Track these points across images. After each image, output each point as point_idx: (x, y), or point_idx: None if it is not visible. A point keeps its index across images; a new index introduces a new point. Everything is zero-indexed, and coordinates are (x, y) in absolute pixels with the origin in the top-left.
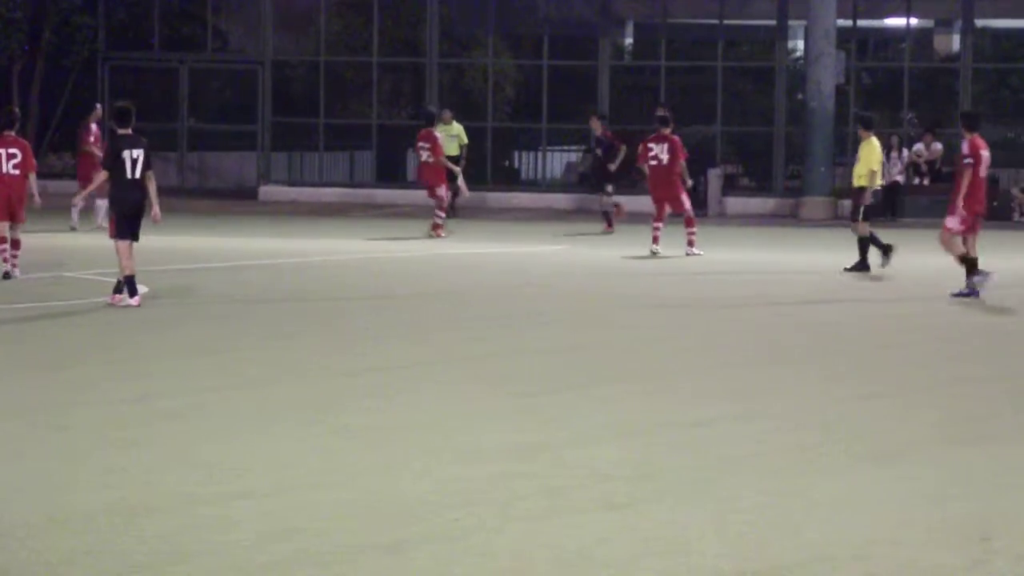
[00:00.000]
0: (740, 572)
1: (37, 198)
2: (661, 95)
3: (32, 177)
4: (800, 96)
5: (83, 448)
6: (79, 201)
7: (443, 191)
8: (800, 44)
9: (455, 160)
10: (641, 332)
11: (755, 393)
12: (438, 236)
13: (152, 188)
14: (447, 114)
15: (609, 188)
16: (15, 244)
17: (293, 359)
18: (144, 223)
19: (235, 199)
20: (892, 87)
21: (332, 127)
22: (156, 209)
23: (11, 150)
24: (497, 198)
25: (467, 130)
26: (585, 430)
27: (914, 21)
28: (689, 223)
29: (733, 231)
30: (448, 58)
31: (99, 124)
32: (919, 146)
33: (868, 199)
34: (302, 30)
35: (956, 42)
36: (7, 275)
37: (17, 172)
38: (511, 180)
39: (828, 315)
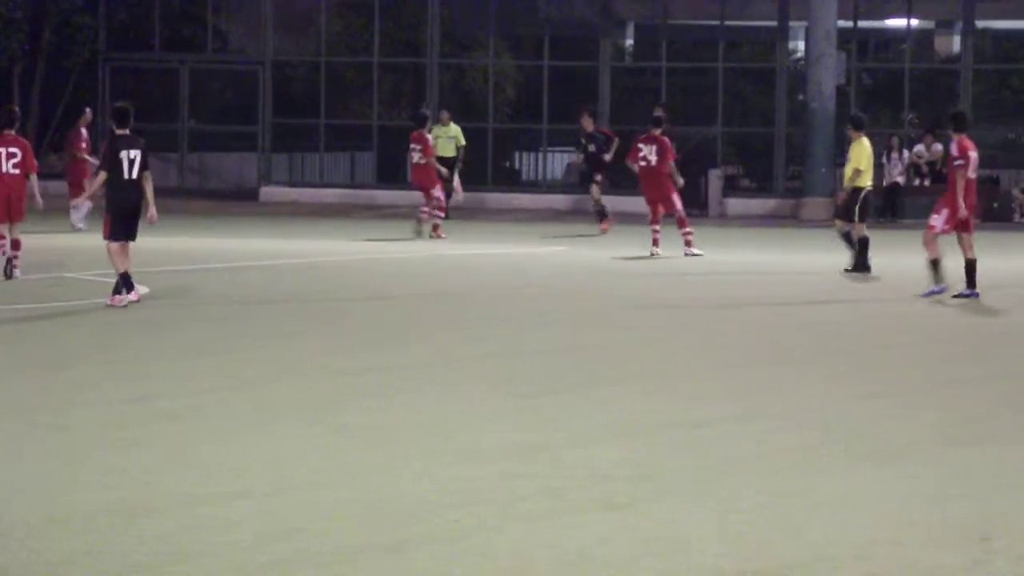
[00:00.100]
0: (740, 572)
1: (39, 199)
2: (662, 96)
3: (33, 178)
4: (801, 97)
5: (83, 448)
6: (81, 203)
7: (438, 192)
8: (801, 45)
9: (452, 161)
10: (641, 332)
11: (755, 393)
12: (439, 237)
13: (149, 189)
14: (445, 115)
15: (598, 178)
16: (15, 244)
17: (293, 359)
18: (140, 223)
19: (235, 200)
20: (893, 88)
21: (333, 128)
22: (152, 211)
23: (11, 149)
24: (497, 199)
25: (468, 131)
26: (585, 430)
27: (915, 22)
28: (681, 223)
29: (734, 232)
30: (449, 59)
31: (88, 128)
32: (920, 147)
33: (843, 198)
34: (303, 31)
35: (957, 43)
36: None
37: (17, 171)
38: (511, 181)
39: (828, 315)
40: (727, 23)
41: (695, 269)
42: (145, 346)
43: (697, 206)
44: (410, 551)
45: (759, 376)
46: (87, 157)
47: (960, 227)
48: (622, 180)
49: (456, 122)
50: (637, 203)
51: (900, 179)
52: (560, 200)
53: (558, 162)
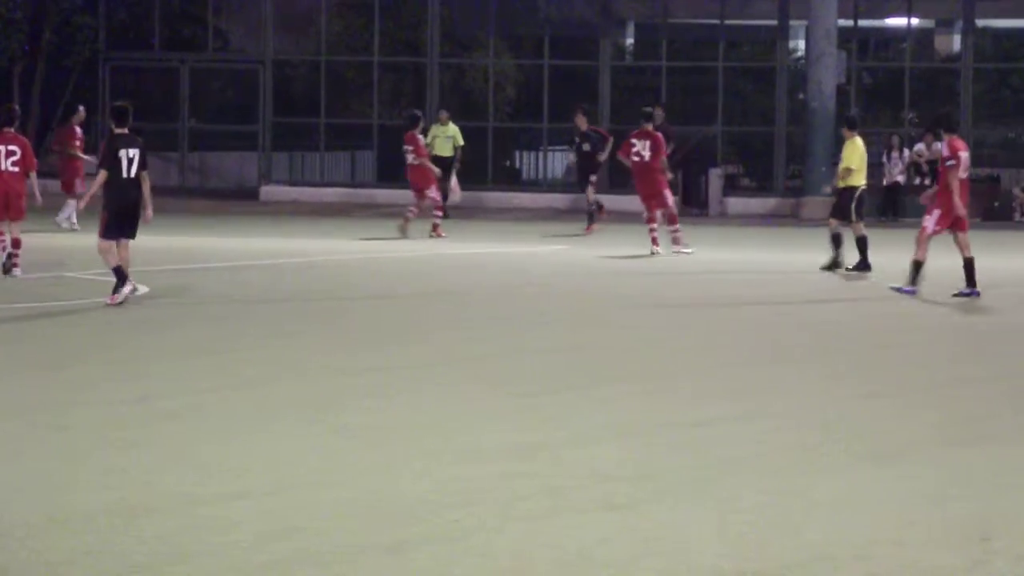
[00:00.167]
0: (741, 572)
1: (38, 197)
2: (662, 95)
3: (33, 176)
4: (801, 96)
5: (83, 448)
6: (82, 205)
7: (434, 191)
8: (801, 44)
9: (450, 161)
10: (641, 332)
11: (755, 393)
12: (439, 236)
13: (146, 188)
14: (443, 115)
15: (593, 178)
16: (16, 243)
17: (293, 359)
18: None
19: (236, 199)
20: (893, 87)
21: (333, 127)
22: (149, 211)
23: (10, 147)
24: (497, 198)
25: (468, 130)
26: (585, 430)
27: (915, 21)
28: (672, 220)
29: (734, 231)
30: (449, 58)
31: (82, 126)
32: (920, 146)
33: (828, 189)
34: (303, 30)
35: (957, 42)
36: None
37: (16, 169)
38: (512, 180)
39: (828, 315)
40: (727, 22)
41: (695, 268)
42: (145, 345)
43: (697, 205)
44: (410, 551)
45: (759, 376)
46: (81, 155)
47: (955, 226)
48: (624, 179)
49: (456, 121)
50: (631, 202)
51: (900, 178)
52: (560, 199)
53: (558, 161)
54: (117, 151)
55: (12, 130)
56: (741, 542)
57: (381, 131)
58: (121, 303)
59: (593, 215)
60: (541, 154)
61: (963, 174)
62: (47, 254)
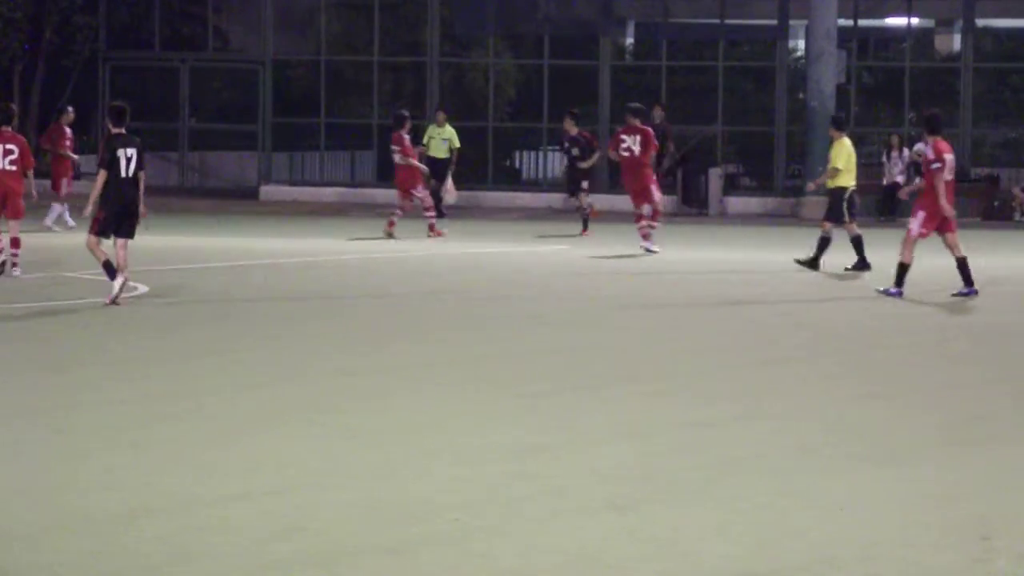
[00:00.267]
0: (742, 573)
1: (35, 195)
2: (662, 95)
3: (30, 175)
4: (801, 95)
5: (83, 449)
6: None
7: (421, 191)
8: (801, 43)
9: (445, 163)
10: (641, 332)
11: (756, 393)
12: (439, 235)
13: (140, 187)
14: (440, 116)
15: (584, 185)
16: (15, 242)
17: (293, 359)
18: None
19: (236, 199)
20: (893, 87)
21: (333, 127)
22: (143, 208)
23: (8, 146)
24: (498, 198)
25: (468, 130)
26: (586, 431)
27: (915, 20)
28: (653, 215)
29: (734, 230)
30: (449, 58)
31: (71, 126)
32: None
33: (811, 188)
34: (303, 30)
35: (957, 41)
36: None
37: (14, 168)
38: (512, 180)
39: (828, 315)
40: (727, 22)
41: (695, 268)
42: (145, 346)
43: (697, 205)
44: (412, 551)
45: (759, 376)
46: (71, 155)
47: (942, 228)
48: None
49: (456, 121)
50: (623, 201)
51: (900, 178)
52: (560, 199)
53: (558, 161)
54: (115, 151)
55: (10, 129)
56: (742, 543)
57: (381, 131)
58: (117, 302)
59: (587, 220)
60: (541, 154)
61: (948, 176)
62: (46, 253)
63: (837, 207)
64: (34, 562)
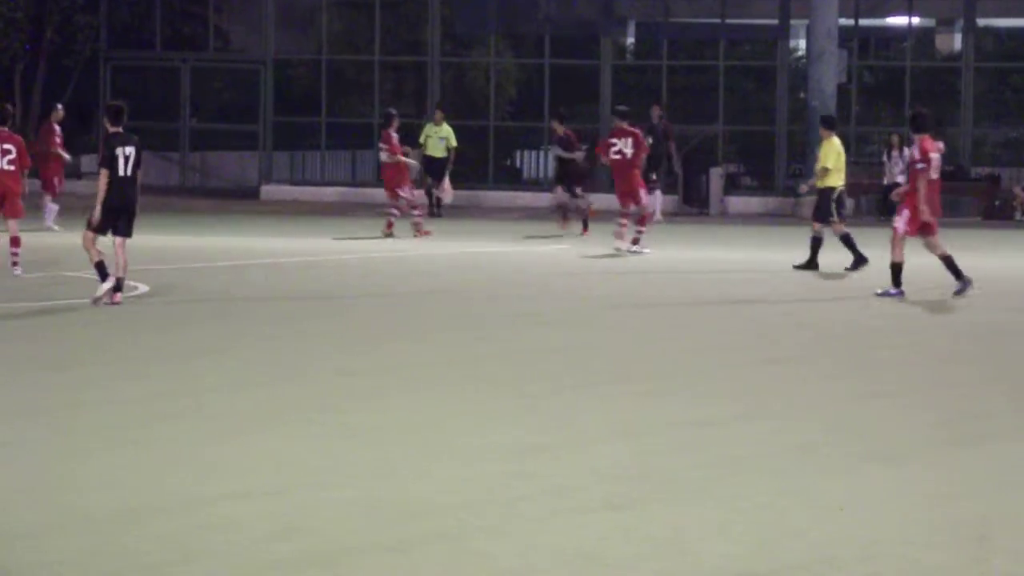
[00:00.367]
0: (742, 573)
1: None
2: (663, 95)
3: (24, 174)
4: (802, 95)
5: (84, 448)
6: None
7: (407, 191)
8: (802, 43)
9: (443, 162)
10: (641, 331)
11: (756, 393)
12: (425, 235)
13: (136, 185)
14: (438, 115)
15: (578, 190)
16: (14, 242)
17: (293, 359)
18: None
19: (237, 198)
20: (894, 86)
21: (334, 126)
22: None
23: (5, 145)
24: (498, 197)
25: (469, 129)
26: (586, 430)
27: (916, 20)
28: (641, 221)
29: (734, 230)
30: (450, 57)
31: (61, 124)
32: None
33: (803, 189)
34: (304, 29)
35: (958, 41)
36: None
37: (12, 168)
38: (513, 179)
39: (828, 314)
40: (728, 21)
41: (695, 268)
42: (146, 345)
43: (698, 204)
44: (412, 551)
45: (759, 376)
46: (62, 153)
47: (923, 230)
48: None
49: (457, 120)
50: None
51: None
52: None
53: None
54: (114, 149)
55: (7, 128)
56: (742, 542)
57: (382, 130)
58: (112, 301)
59: (587, 220)
60: (542, 153)
61: (934, 175)
62: (46, 253)
63: (825, 206)
64: (35, 561)
